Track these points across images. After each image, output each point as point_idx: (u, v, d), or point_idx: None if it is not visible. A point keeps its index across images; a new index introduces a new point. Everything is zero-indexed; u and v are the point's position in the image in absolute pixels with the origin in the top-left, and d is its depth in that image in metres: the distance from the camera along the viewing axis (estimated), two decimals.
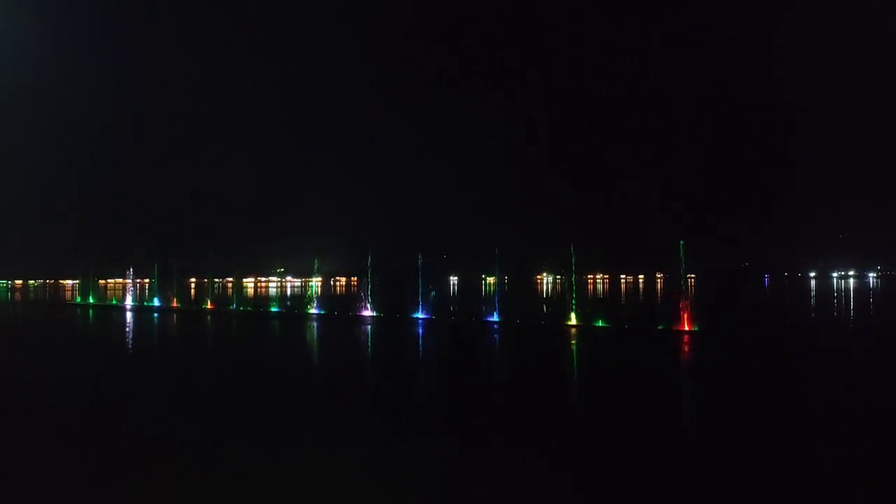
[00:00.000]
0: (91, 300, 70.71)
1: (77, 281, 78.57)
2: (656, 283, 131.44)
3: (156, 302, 64.30)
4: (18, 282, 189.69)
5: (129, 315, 53.17)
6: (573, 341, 30.86)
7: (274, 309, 55.75)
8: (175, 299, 62.67)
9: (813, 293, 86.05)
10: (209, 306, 58.31)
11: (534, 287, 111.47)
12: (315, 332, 37.65)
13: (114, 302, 70.18)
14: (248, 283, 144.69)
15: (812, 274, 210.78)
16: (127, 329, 41.41)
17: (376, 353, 28.90)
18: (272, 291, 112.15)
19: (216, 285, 64.67)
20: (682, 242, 33.45)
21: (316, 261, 54.77)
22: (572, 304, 36.11)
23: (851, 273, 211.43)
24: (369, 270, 47.26)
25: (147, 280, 76.88)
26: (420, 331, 36.46)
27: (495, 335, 33.74)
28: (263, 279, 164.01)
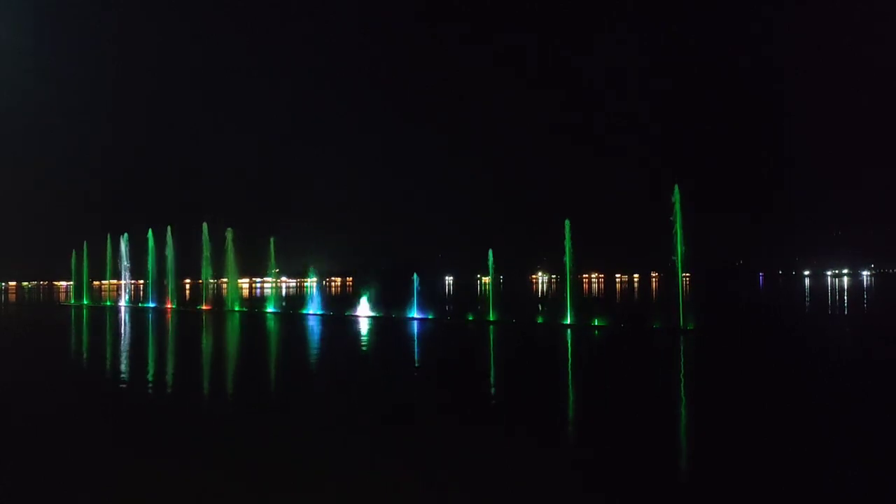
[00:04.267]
0: (85, 301, 70.51)
1: (71, 282, 78.23)
2: (651, 282, 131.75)
3: (150, 303, 64.17)
4: (12, 283, 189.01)
5: (123, 315, 53.02)
6: (570, 340, 30.84)
7: (269, 308, 55.59)
8: (170, 300, 62.55)
9: (807, 291, 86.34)
10: (205, 307, 58.23)
11: (529, 286, 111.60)
12: (311, 332, 37.53)
13: (108, 303, 69.96)
14: (243, 283, 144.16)
15: (806, 272, 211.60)
16: (121, 329, 41.28)
17: (371, 352, 28.80)
18: (267, 291, 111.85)
19: (211, 286, 64.45)
20: (677, 232, 33.32)
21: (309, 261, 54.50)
22: (568, 304, 36.09)
23: (845, 271, 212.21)
24: (365, 270, 47.23)
25: (141, 281, 76.66)
26: (416, 330, 36.42)
27: (491, 334, 33.70)
28: (258, 280, 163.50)
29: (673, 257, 33.46)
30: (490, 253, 41.77)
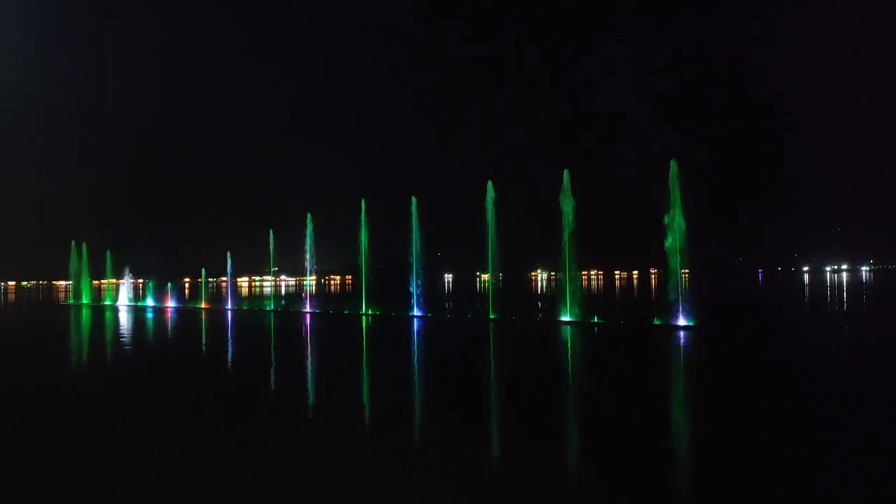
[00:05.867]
0: (84, 300, 70.51)
1: (70, 282, 78.27)
2: (650, 279, 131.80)
3: (150, 301, 64.25)
4: (11, 283, 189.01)
5: (122, 314, 53.04)
6: (569, 337, 30.83)
7: (269, 307, 55.63)
8: (169, 298, 62.65)
9: (806, 288, 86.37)
10: (204, 305, 58.32)
11: (528, 284, 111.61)
12: (310, 329, 37.51)
13: (107, 302, 69.94)
14: (243, 282, 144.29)
15: (805, 269, 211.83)
16: (121, 326, 41.29)
17: (371, 349, 28.79)
18: (266, 290, 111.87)
19: (210, 285, 64.66)
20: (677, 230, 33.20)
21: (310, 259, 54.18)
22: (567, 301, 36.07)
23: (844, 267, 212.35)
24: (363, 268, 47.32)
25: (140, 280, 76.77)
26: (416, 328, 36.44)
27: (491, 332, 33.71)
28: (258, 278, 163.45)
29: (666, 248, 33.20)
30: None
